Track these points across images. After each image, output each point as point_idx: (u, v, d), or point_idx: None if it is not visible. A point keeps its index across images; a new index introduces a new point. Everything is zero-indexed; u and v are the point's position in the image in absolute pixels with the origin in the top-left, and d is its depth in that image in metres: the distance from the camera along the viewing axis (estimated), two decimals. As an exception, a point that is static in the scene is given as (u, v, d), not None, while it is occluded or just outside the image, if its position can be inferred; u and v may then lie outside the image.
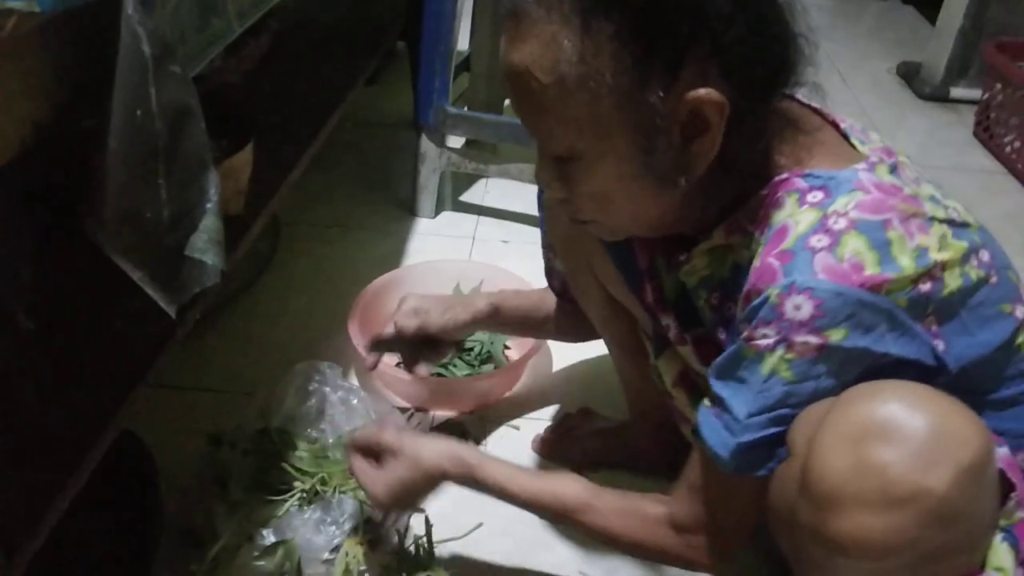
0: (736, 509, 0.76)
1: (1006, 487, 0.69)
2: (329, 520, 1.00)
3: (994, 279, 0.72)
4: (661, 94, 0.66)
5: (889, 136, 2.17)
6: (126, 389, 0.82)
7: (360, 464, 0.92)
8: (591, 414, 1.23)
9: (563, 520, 0.86)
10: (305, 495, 1.02)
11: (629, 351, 1.04)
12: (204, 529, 0.99)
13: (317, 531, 0.99)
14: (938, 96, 2.37)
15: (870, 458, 0.58)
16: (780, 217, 0.71)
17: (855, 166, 0.72)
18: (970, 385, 0.71)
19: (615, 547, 0.85)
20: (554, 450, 1.18)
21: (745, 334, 0.69)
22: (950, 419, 0.60)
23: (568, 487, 0.85)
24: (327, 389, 1.12)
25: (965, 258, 0.69)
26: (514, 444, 1.21)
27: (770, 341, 0.67)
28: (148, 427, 1.03)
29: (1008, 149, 2.04)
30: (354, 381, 1.26)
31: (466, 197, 1.80)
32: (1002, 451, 0.70)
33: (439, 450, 0.88)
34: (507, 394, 1.29)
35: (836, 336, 0.65)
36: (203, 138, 0.61)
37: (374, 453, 0.92)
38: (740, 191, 0.74)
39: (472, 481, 0.87)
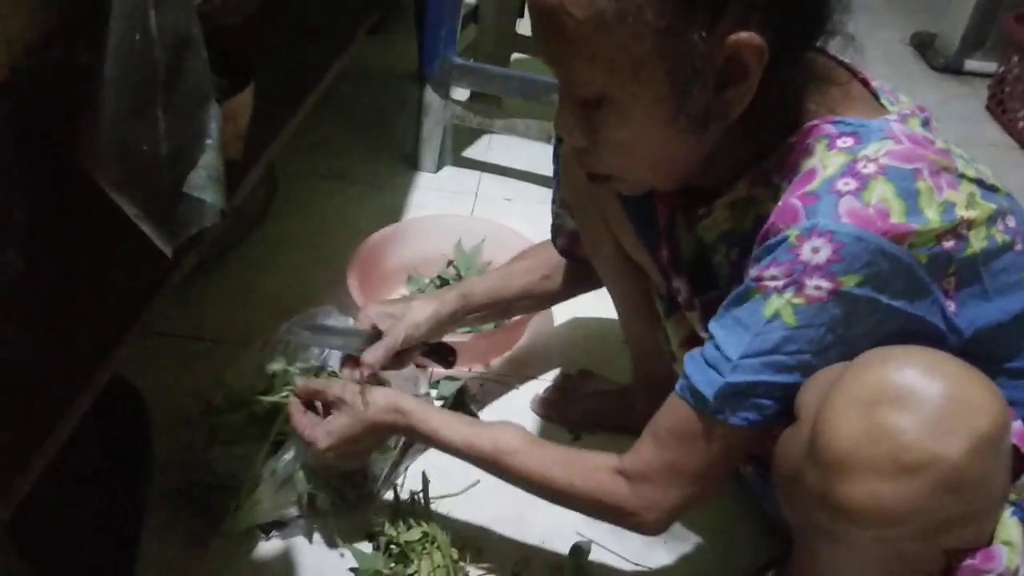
0: (703, 461, 0.73)
1: (1018, 463, 0.67)
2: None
3: (1019, 246, 0.70)
4: (703, 34, 0.63)
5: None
6: (119, 333, 0.80)
7: (299, 414, 0.91)
8: (591, 375, 1.21)
9: (495, 467, 0.84)
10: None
11: (638, 310, 1.02)
12: (201, 477, 0.97)
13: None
14: (952, 68, 2.33)
15: (883, 423, 0.56)
16: (808, 162, 0.68)
17: (887, 116, 0.69)
18: (985, 352, 0.70)
19: (550, 496, 0.83)
20: (553, 410, 1.17)
21: (755, 273, 0.67)
22: (967, 387, 0.58)
23: (505, 432, 0.84)
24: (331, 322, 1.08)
25: (992, 220, 0.67)
26: (513, 404, 1.19)
27: (780, 283, 0.65)
28: (142, 375, 1.01)
29: (1021, 124, 2.01)
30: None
31: (469, 152, 1.76)
32: (1016, 425, 0.69)
33: (381, 400, 0.88)
34: (507, 353, 1.27)
35: (850, 283, 0.63)
36: (205, 70, 0.58)
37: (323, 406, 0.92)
38: (768, 140, 0.72)
39: (412, 430, 0.87)
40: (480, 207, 1.59)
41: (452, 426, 0.86)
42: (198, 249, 0.70)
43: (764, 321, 0.66)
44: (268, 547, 0.97)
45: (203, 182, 0.59)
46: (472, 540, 0.99)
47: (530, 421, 1.17)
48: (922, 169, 0.65)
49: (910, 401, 0.56)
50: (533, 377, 1.24)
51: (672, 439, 0.74)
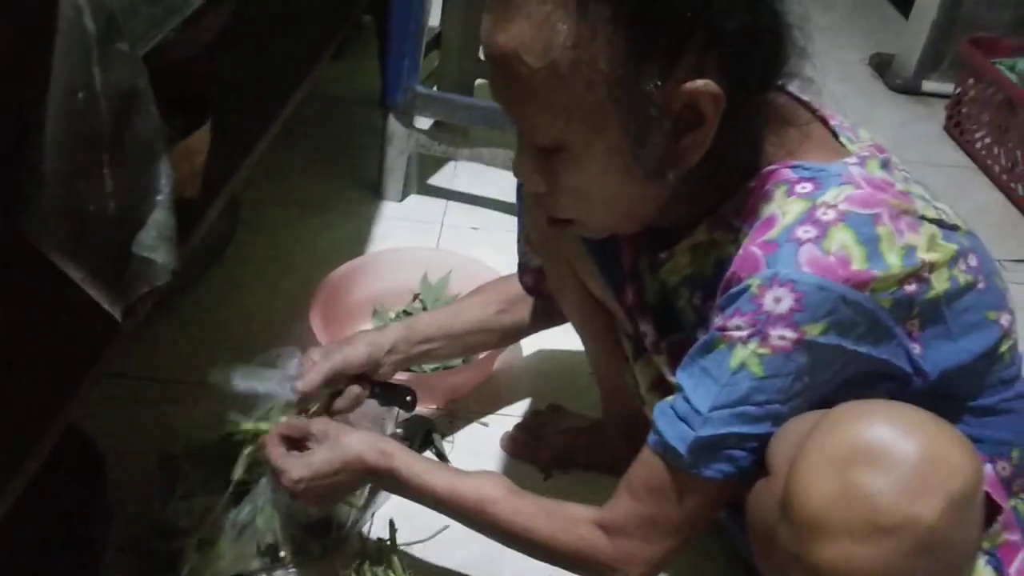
0: (680, 515, 0.72)
1: (990, 509, 0.67)
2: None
3: (981, 284, 0.70)
4: (658, 83, 0.62)
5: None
6: (72, 384, 0.76)
7: (278, 449, 0.87)
8: (561, 411, 1.20)
9: (477, 518, 0.82)
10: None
11: (606, 349, 1.01)
12: (158, 531, 0.93)
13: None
14: (910, 89, 2.36)
15: (857, 484, 0.55)
16: (768, 208, 0.68)
17: (846, 159, 0.69)
18: (949, 391, 0.70)
19: (531, 550, 0.81)
20: (523, 449, 1.15)
21: (719, 323, 0.66)
22: (941, 445, 0.57)
23: (489, 481, 0.82)
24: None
25: (954, 261, 0.67)
26: (482, 441, 1.17)
27: (744, 333, 0.64)
28: (93, 419, 0.97)
29: (979, 145, 2.04)
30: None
31: (434, 180, 1.74)
32: (986, 469, 0.68)
33: (363, 441, 0.86)
34: (474, 387, 1.24)
35: (813, 331, 0.63)
36: (154, 123, 0.55)
37: (301, 445, 0.89)
38: (727, 184, 0.71)
39: (391, 474, 0.84)
40: (446, 237, 1.57)
41: (434, 471, 0.84)
42: (150, 299, 0.67)
43: (731, 372, 0.65)
44: (229, 599, 0.93)
45: (153, 242, 0.56)
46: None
47: (500, 459, 1.15)
48: (881, 214, 0.65)
49: (884, 461, 0.55)
50: (503, 413, 1.22)
51: (648, 494, 0.72)
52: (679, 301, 0.79)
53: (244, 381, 0.98)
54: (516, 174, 0.74)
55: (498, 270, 1.28)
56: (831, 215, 0.64)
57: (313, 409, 0.97)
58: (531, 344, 1.30)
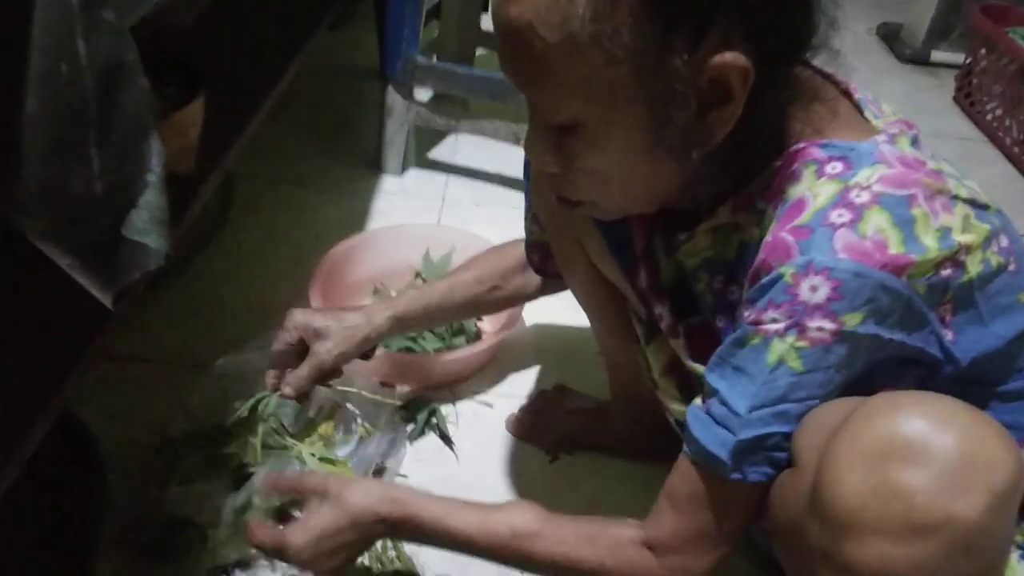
0: (727, 523, 0.69)
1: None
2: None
3: (1012, 266, 0.66)
4: (685, 57, 0.58)
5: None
6: (65, 368, 0.73)
7: (264, 531, 0.77)
8: (568, 392, 1.17)
9: (515, 554, 0.75)
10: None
11: (616, 331, 0.97)
12: (156, 517, 0.91)
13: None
14: (919, 59, 2.32)
15: (894, 481, 0.52)
16: (796, 190, 0.64)
17: (876, 137, 0.65)
18: (979, 376, 0.67)
19: None
20: (528, 431, 1.12)
21: (751, 316, 0.63)
22: (980, 438, 0.54)
23: (520, 513, 0.75)
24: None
25: (987, 242, 0.64)
26: (487, 423, 1.14)
27: (780, 326, 0.61)
28: (87, 403, 0.94)
29: (989, 117, 2.00)
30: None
31: (435, 154, 1.70)
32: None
33: (370, 491, 0.77)
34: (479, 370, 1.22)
35: (852, 322, 0.60)
36: (143, 98, 0.52)
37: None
38: (752, 163, 0.68)
39: (409, 524, 0.76)
40: (447, 213, 1.53)
41: (459, 512, 0.76)
42: (143, 283, 0.64)
43: (769, 369, 0.62)
44: (229, 584, 0.91)
45: (144, 224, 0.52)
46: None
47: (505, 441, 1.12)
48: (916, 194, 0.61)
49: (921, 456, 0.52)
50: (508, 394, 1.19)
51: (692, 506, 0.69)
52: (698, 284, 0.76)
53: (241, 364, 0.95)
54: (528, 153, 0.70)
55: (501, 247, 1.25)
56: (865, 197, 0.61)
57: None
58: (536, 320, 1.27)
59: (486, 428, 1.13)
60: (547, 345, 1.27)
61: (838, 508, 0.54)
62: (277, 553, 0.77)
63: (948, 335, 0.64)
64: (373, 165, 1.61)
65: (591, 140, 0.63)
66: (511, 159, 1.59)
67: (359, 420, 1.02)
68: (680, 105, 0.60)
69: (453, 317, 1.13)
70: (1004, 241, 0.66)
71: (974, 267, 0.63)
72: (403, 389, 1.15)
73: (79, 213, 0.50)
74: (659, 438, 0.95)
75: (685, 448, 0.69)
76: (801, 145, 0.66)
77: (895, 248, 0.59)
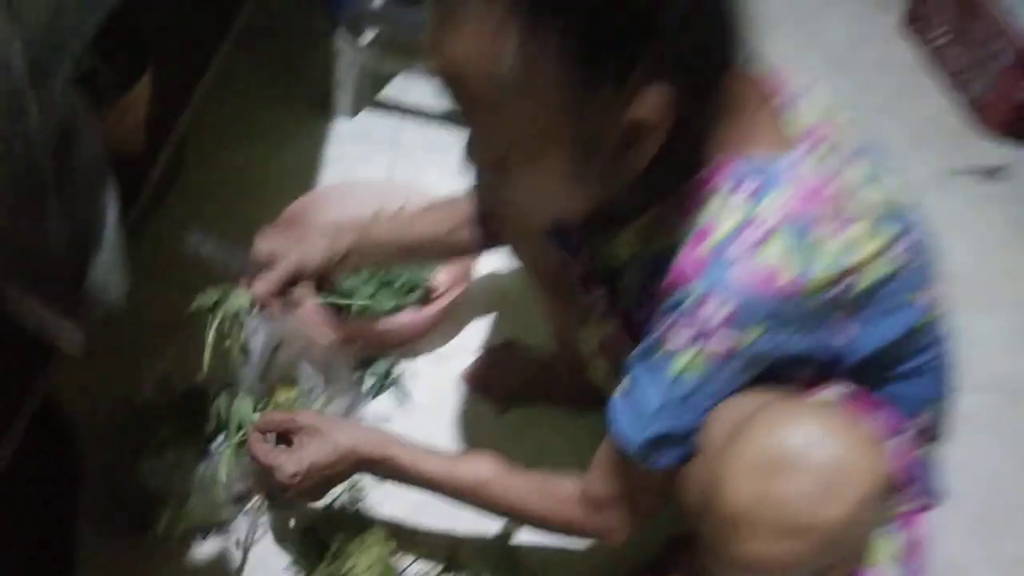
0: (647, 491, 0.79)
1: (905, 479, 0.74)
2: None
3: (911, 265, 0.73)
4: (607, 98, 0.61)
5: (816, 26, 2.12)
6: (44, 361, 0.77)
7: (263, 446, 0.89)
8: (515, 347, 1.24)
9: (475, 499, 0.86)
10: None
11: (558, 301, 1.04)
12: (130, 488, 0.97)
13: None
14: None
15: (772, 490, 0.61)
16: (707, 213, 0.69)
17: (789, 154, 0.69)
18: (875, 363, 0.75)
19: (524, 521, 0.88)
20: (481, 385, 1.20)
21: (662, 328, 0.70)
22: (850, 452, 0.62)
23: (483, 464, 0.86)
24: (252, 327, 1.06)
25: (885, 249, 0.69)
26: (443, 376, 1.22)
27: (685, 339, 0.68)
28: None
29: (936, 44, 2.03)
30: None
31: (387, 93, 1.69)
32: (899, 441, 0.75)
33: (355, 433, 0.88)
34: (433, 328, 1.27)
35: (748, 338, 0.67)
36: (97, 151, 0.54)
37: (286, 438, 0.90)
38: (672, 180, 0.72)
39: (387, 464, 0.87)
40: (400, 159, 1.55)
41: (429, 459, 0.87)
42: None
43: (674, 376, 0.70)
44: (206, 547, 0.99)
45: (103, 277, 0.56)
46: (404, 528, 1.03)
47: (461, 393, 1.20)
48: (818, 218, 0.66)
49: (797, 468, 0.61)
50: (462, 347, 1.26)
51: (617, 474, 0.78)
52: (626, 277, 0.82)
53: (220, 252, 0.98)
54: (464, 158, 0.73)
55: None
56: (766, 226, 0.66)
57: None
58: (486, 273, 1.33)
59: (440, 383, 1.21)
60: (498, 299, 1.33)
61: (726, 511, 0.63)
62: (268, 471, 0.87)
63: (842, 336, 0.71)
64: (323, 105, 1.60)
65: (519, 170, 0.67)
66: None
67: (315, 392, 1.07)
68: (606, 139, 0.64)
69: (409, 256, 1.11)
70: (908, 241, 0.72)
71: (868, 278, 0.69)
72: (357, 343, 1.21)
73: (41, 269, 0.53)
74: (595, 392, 1.03)
75: (609, 412, 0.77)
76: (720, 163, 0.70)
77: (789, 274, 0.65)
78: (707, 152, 0.70)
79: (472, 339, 1.27)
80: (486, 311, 1.31)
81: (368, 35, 1.52)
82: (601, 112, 0.62)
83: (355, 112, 1.61)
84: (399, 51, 1.54)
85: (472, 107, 0.63)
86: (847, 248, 0.67)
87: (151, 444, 0.99)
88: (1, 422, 0.72)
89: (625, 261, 0.81)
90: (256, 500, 1.01)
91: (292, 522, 1.02)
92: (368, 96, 1.63)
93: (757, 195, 0.67)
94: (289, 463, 0.86)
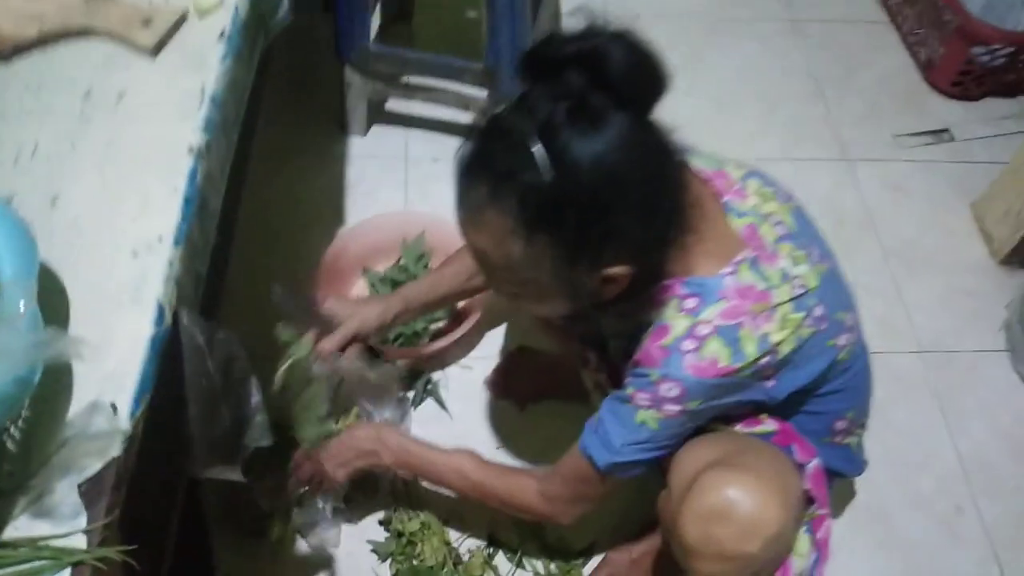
0: (597, 494, 1.08)
1: (811, 497, 1.04)
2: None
3: (823, 326, 0.99)
4: (584, 274, 0.87)
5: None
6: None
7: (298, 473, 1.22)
8: (528, 352, 1.51)
9: (457, 484, 1.16)
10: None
11: (560, 339, 1.31)
12: (247, 505, 1.27)
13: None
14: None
15: (712, 533, 0.92)
16: (663, 316, 0.95)
17: (723, 271, 0.93)
18: (800, 393, 1.03)
19: (493, 503, 1.16)
20: (501, 389, 1.48)
21: (631, 389, 0.97)
22: (763, 502, 0.92)
23: (463, 457, 1.15)
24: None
25: (799, 325, 0.95)
26: (469, 383, 1.49)
27: (647, 402, 0.95)
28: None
29: (893, 2, 2.18)
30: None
31: (393, 106, 1.87)
32: (811, 466, 1.04)
33: (366, 434, 1.19)
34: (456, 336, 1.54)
35: (692, 406, 0.95)
36: (245, 365, 0.80)
37: None
38: (636, 295, 0.96)
39: (401, 456, 1.17)
40: (411, 173, 1.76)
41: (425, 454, 1.17)
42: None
43: (636, 424, 0.97)
44: (305, 546, 1.30)
45: (256, 434, 0.83)
46: (455, 509, 1.34)
47: (485, 397, 1.48)
48: (743, 321, 0.92)
49: (727, 518, 0.91)
50: (483, 357, 1.53)
51: (574, 480, 1.07)
52: (611, 343, 1.09)
53: (295, 310, 1.23)
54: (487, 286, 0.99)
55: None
56: (707, 330, 0.92)
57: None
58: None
59: (469, 388, 1.49)
60: (508, 312, 1.56)
61: (682, 543, 0.94)
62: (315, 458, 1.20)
63: (770, 385, 0.99)
64: (338, 123, 1.80)
65: (526, 301, 0.95)
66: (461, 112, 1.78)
67: (371, 414, 1.36)
68: (586, 288, 0.90)
69: (440, 305, 1.40)
70: (818, 311, 0.98)
71: (785, 349, 0.95)
72: (401, 363, 1.48)
73: (224, 445, 0.80)
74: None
75: (579, 441, 1.04)
76: (670, 282, 0.95)
77: (724, 362, 0.92)
78: (661, 275, 0.95)
79: (493, 348, 1.54)
80: (502, 323, 1.57)
81: (371, 69, 1.69)
82: (579, 279, 0.88)
83: (366, 131, 1.81)
84: (397, 81, 1.72)
85: (492, 270, 0.89)
86: (765, 337, 0.93)
87: (253, 470, 1.28)
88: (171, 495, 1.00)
89: (611, 334, 1.07)
90: (339, 504, 1.31)
91: (371, 517, 1.33)
92: (376, 116, 1.83)
93: (697, 309, 0.93)
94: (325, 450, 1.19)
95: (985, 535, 1.41)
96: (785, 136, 1.95)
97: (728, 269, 0.94)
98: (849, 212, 1.82)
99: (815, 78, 2.07)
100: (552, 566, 1.31)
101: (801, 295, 0.96)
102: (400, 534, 1.29)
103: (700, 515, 0.93)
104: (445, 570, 1.25)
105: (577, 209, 0.81)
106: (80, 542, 0.58)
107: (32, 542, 0.57)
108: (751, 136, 1.93)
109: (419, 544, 1.28)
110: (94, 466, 0.60)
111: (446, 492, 1.33)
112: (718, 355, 0.91)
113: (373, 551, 1.30)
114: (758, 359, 0.93)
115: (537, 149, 0.79)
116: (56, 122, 0.82)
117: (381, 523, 1.33)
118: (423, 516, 1.31)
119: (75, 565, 0.56)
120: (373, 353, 1.35)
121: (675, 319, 0.93)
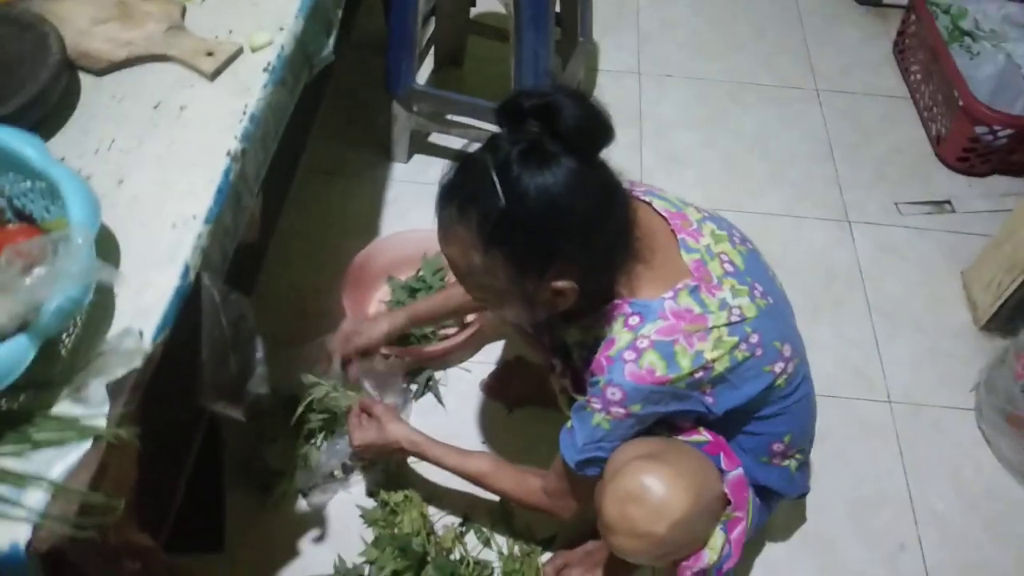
0: (582, 489, 1.24)
1: (730, 500, 1.18)
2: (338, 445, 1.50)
3: (759, 352, 1.14)
4: (534, 283, 1.05)
5: (812, 50, 2.40)
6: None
7: (354, 416, 1.41)
8: (522, 362, 1.69)
9: (476, 481, 1.34)
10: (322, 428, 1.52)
11: (536, 348, 1.48)
12: (258, 465, 1.49)
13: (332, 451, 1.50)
14: (872, 0, 2.56)
15: (626, 512, 1.09)
16: (611, 330, 1.11)
17: (664, 295, 1.10)
18: (740, 412, 1.18)
19: (507, 499, 1.35)
20: (494, 392, 1.66)
21: (587, 397, 1.14)
22: (673, 491, 1.08)
23: (480, 462, 1.34)
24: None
25: (734, 347, 1.11)
26: (466, 384, 1.68)
27: (598, 407, 1.12)
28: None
29: (913, 78, 2.31)
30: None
31: (434, 138, 2.10)
32: (733, 475, 1.19)
33: (401, 430, 1.37)
34: (457, 341, 1.74)
35: (636, 408, 1.10)
36: (252, 326, 1.01)
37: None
38: (588, 309, 1.14)
39: (418, 454, 1.37)
40: (443, 199, 1.98)
41: (449, 454, 1.35)
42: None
43: (593, 426, 1.14)
44: (305, 505, 1.50)
45: (257, 383, 1.04)
46: (437, 491, 1.52)
47: (479, 398, 1.67)
48: (678, 338, 1.08)
49: (640, 501, 1.07)
50: (481, 361, 1.72)
51: (564, 478, 1.24)
52: (573, 352, 1.26)
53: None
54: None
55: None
56: (645, 343, 1.08)
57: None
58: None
59: (466, 388, 1.68)
60: (506, 327, 1.74)
61: (604, 520, 1.10)
62: (351, 432, 1.40)
63: (709, 399, 1.15)
64: (385, 151, 2.04)
65: (491, 305, 1.15)
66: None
67: (375, 399, 1.56)
68: (539, 298, 1.08)
69: (446, 318, 1.64)
70: (754, 339, 1.14)
71: (721, 365, 1.11)
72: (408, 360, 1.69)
73: (231, 387, 1.01)
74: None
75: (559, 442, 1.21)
76: (619, 301, 1.12)
77: (660, 372, 1.08)
78: (610, 293, 1.13)
79: (490, 355, 1.73)
80: (498, 337, 1.76)
81: (416, 105, 1.93)
82: (532, 288, 1.06)
83: (408, 159, 2.04)
84: (439, 117, 1.95)
85: (461, 276, 1.09)
86: (700, 354, 1.09)
87: (267, 435, 1.50)
88: (189, 438, 1.22)
89: (572, 343, 1.25)
90: (338, 473, 1.51)
91: (362, 488, 1.52)
92: (418, 146, 2.06)
93: (638, 326, 1.10)
94: (357, 434, 1.38)
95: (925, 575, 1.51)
96: (790, 193, 2.09)
97: (669, 294, 1.11)
98: (842, 268, 1.94)
99: (829, 143, 2.21)
100: (516, 548, 1.47)
101: (737, 322, 1.12)
102: (385, 503, 1.48)
103: (618, 496, 1.09)
104: (419, 538, 1.42)
105: (524, 230, 1.00)
106: (103, 425, 0.79)
107: (69, 420, 0.79)
108: (758, 189, 2.07)
109: (400, 514, 1.47)
110: (120, 372, 0.81)
111: (433, 476, 1.52)
112: (655, 365, 1.08)
113: (361, 516, 1.49)
114: (692, 372, 1.09)
115: (494, 179, 0.99)
116: (131, 125, 1.06)
117: (370, 494, 1.52)
118: (408, 491, 1.49)
119: (96, 438, 0.78)
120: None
121: (620, 333, 1.10)
